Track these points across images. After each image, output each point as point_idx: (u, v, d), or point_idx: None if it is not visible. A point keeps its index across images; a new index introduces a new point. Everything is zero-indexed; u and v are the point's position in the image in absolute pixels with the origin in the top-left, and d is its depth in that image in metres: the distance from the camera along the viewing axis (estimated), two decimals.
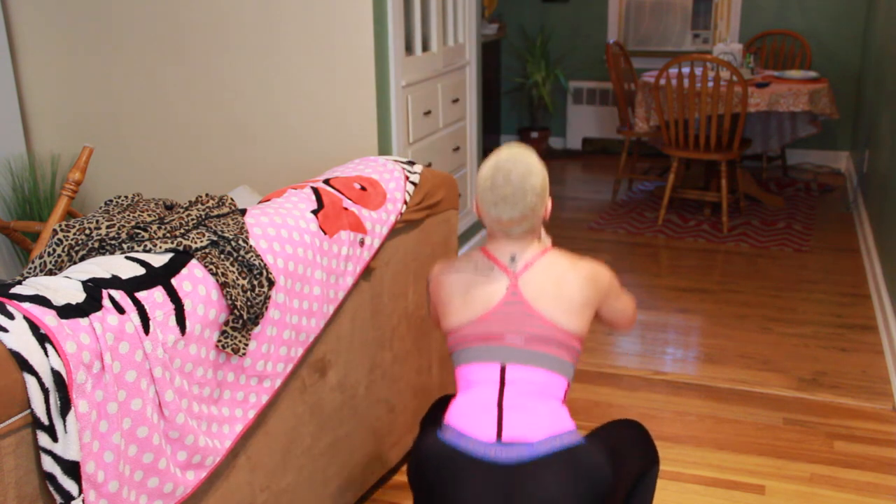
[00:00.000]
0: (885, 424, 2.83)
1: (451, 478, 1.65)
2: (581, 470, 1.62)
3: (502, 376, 1.70)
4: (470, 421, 1.67)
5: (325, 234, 2.00)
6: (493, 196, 1.71)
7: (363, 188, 2.20)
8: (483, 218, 1.77)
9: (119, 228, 1.68)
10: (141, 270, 1.57)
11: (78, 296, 1.44)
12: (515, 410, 1.66)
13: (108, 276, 1.52)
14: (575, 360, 1.75)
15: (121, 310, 1.47)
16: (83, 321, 1.41)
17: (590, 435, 1.77)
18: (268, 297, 1.77)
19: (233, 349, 1.68)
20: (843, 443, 2.72)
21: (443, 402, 2.00)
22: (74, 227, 1.66)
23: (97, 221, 1.68)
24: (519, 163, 1.71)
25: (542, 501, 1.60)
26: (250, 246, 1.77)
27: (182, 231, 1.74)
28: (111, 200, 1.86)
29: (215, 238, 1.74)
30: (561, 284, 1.73)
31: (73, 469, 1.37)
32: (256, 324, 1.76)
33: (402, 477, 2.57)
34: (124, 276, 1.53)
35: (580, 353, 1.78)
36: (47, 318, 1.37)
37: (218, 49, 3.29)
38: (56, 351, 1.35)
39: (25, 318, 1.35)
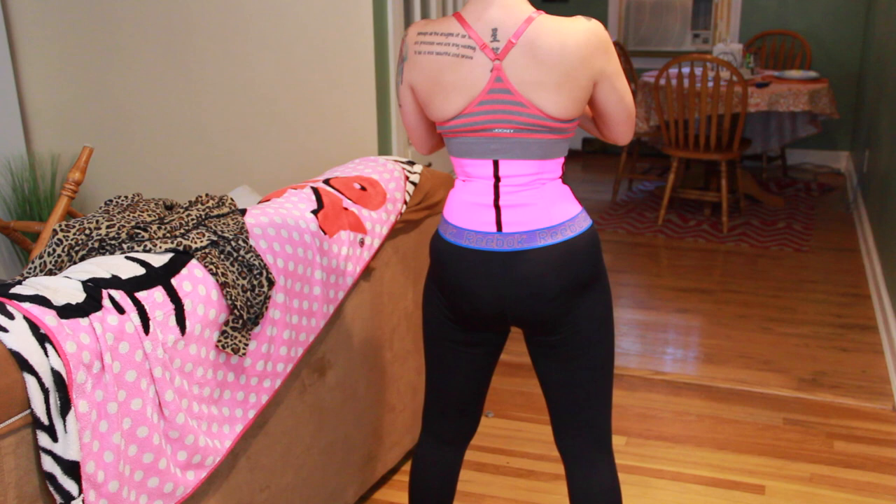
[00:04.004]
0: (885, 424, 2.83)
1: (454, 271, 1.68)
2: (576, 252, 1.64)
3: (496, 172, 1.63)
4: (469, 218, 1.67)
5: (325, 234, 2.00)
6: None
7: (363, 188, 2.20)
8: None
9: (119, 228, 1.68)
10: (141, 270, 1.57)
11: (78, 296, 1.44)
12: (513, 208, 1.63)
13: (108, 276, 1.52)
14: (569, 136, 1.65)
15: (121, 310, 1.47)
16: (83, 321, 1.41)
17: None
18: (268, 297, 1.77)
19: (233, 349, 1.68)
20: (843, 443, 2.72)
21: None
22: (74, 227, 1.66)
23: (97, 221, 1.68)
24: None
25: (536, 271, 1.62)
26: (250, 246, 1.77)
27: (182, 231, 1.74)
28: (111, 200, 1.86)
29: (215, 238, 1.74)
30: (550, 65, 1.53)
31: (73, 469, 1.37)
32: (256, 324, 1.76)
33: (402, 477, 2.57)
34: (124, 276, 1.53)
35: (575, 127, 1.66)
36: (47, 318, 1.37)
37: (218, 49, 3.29)
38: (56, 351, 1.35)
39: (25, 318, 1.35)
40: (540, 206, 1.63)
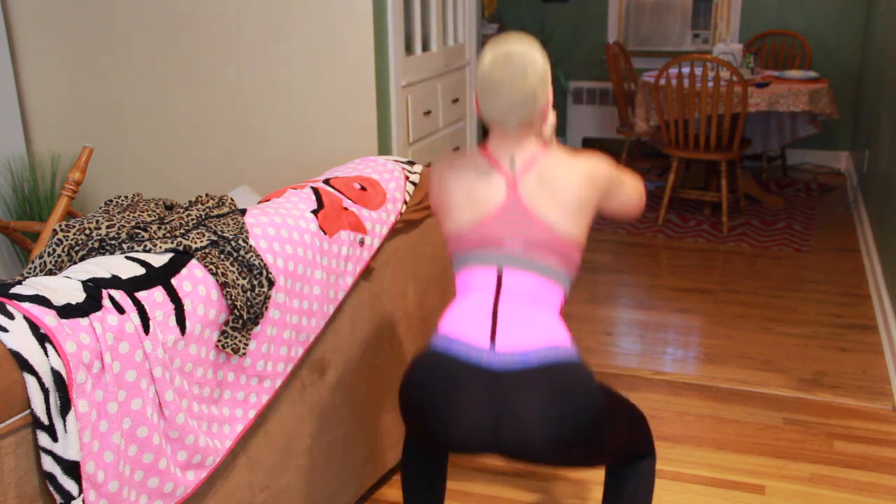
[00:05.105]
0: (885, 424, 2.83)
1: (440, 383, 1.62)
2: (571, 387, 1.58)
3: (499, 281, 1.67)
4: (463, 327, 1.65)
5: (325, 234, 2.00)
6: (493, 77, 1.67)
7: (363, 188, 2.20)
8: (482, 108, 1.72)
9: (119, 228, 1.68)
10: (141, 270, 1.57)
11: (78, 296, 1.44)
12: (510, 319, 1.64)
13: (108, 276, 1.52)
14: (571, 272, 1.72)
15: (121, 310, 1.47)
16: (83, 321, 1.41)
17: None
18: (268, 297, 1.77)
19: (233, 349, 1.68)
20: (843, 443, 2.72)
21: None
22: (74, 227, 1.66)
23: (97, 221, 1.68)
24: (520, 46, 1.69)
25: (528, 410, 1.57)
26: (250, 246, 1.77)
27: (182, 231, 1.74)
28: (111, 200, 1.86)
29: (215, 238, 1.74)
30: (559, 188, 1.69)
31: (73, 469, 1.37)
32: (256, 324, 1.76)
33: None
34: (124, 276, 1.53)
35: (578, 265, 1.74)
36: (47, 318, 1.37)
37: (218, 49, 3.29)
38: (56, 351, 1.35)
39: (25, 318, 1.35)
40: (536, 325, 1.64)
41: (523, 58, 1.67)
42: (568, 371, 1.59)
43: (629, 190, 1.84)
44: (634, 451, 1.82)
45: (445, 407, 1.61)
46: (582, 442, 1.61)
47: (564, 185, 1.69)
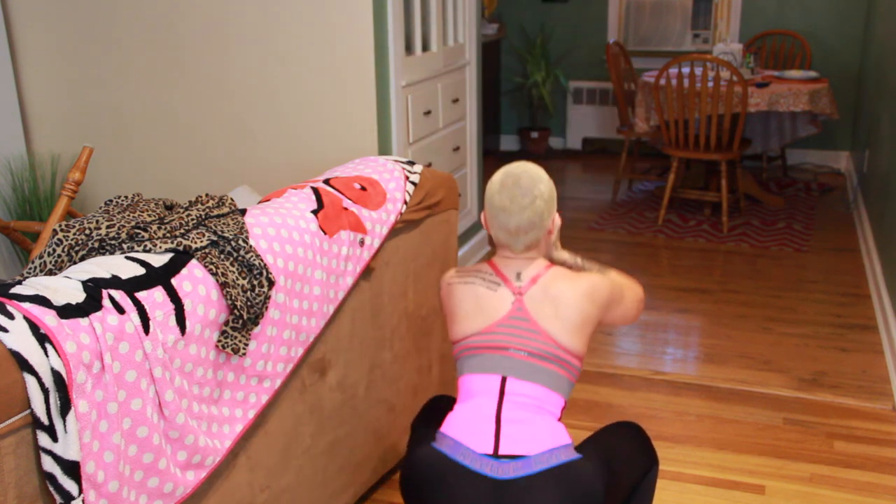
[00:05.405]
0: (885, 424, 2.83)
1: (444, 489, 1.67)
2: (574, 487, 1.64)
3: (502, 388, 1.74)
4: (467, 432, 1.70)
5: (325, 234, 2.00)
6: (502, 200, 1.76)
7: (363, 188, 2.20)
8: (490, 227, 1.81)
9: (119, 228, 1.68)
10: (141, 270, 1.57)
11: (78, 296, 1.44)
12: (513, 424, 1.69)
13: (108, 276, 1.52)
14: (573, 379, 1.80)
15: (121, 310, 1.47)
16: (83, 321, 1.41)
17: (585, 443, 1.80)
18: (268, 297, 1.77)
19: (233, 349, 1.68)
20: (843, 443, 2.72)
21: (434, 403, 2.01)
22: (74, 227, 1.66)
23: (97, 221, 1.68)
24: (528, 171, 1.78)
25: None
26: (250, 246, 1.77)
27: (182, 231, 1.74)
28: (111, 200, 1.86)
29: (215, 238, 1.74)
30: (561, 303, 1.78)
31: (73, 469, 1.37)
32: (256, 324, 1.76)
33: None
34: (124, 276, 1.53)
35: (579, 372, 1.82)
36: (47, 318, 1.37)
37: (218, 49, 3.29)
38: (56, 351, 1.35)
39: (25, 318, 1.35)
40: (537, 432, 1.69)
41: (530, 183, 1.76)
42: (568, 471, 1.65)
43: (629, 301, 1.93)
44: (643, 472, 1.87)
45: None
46: None
47: (566, 301, 1.78)
